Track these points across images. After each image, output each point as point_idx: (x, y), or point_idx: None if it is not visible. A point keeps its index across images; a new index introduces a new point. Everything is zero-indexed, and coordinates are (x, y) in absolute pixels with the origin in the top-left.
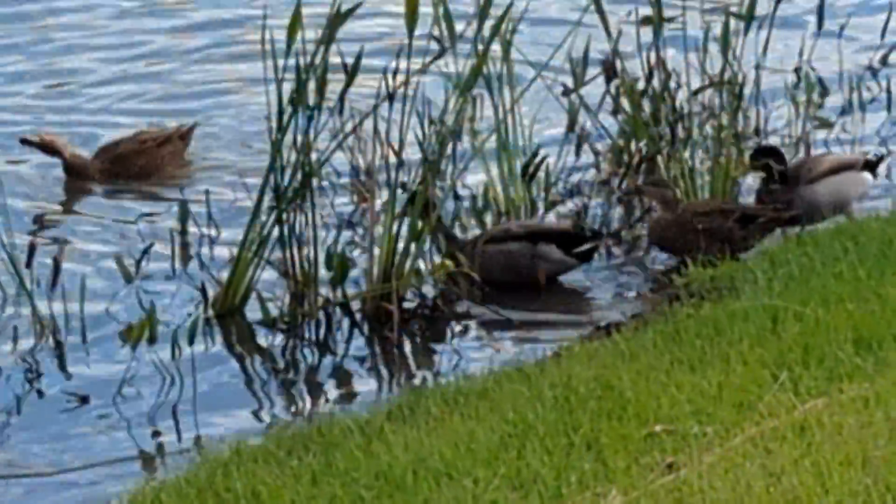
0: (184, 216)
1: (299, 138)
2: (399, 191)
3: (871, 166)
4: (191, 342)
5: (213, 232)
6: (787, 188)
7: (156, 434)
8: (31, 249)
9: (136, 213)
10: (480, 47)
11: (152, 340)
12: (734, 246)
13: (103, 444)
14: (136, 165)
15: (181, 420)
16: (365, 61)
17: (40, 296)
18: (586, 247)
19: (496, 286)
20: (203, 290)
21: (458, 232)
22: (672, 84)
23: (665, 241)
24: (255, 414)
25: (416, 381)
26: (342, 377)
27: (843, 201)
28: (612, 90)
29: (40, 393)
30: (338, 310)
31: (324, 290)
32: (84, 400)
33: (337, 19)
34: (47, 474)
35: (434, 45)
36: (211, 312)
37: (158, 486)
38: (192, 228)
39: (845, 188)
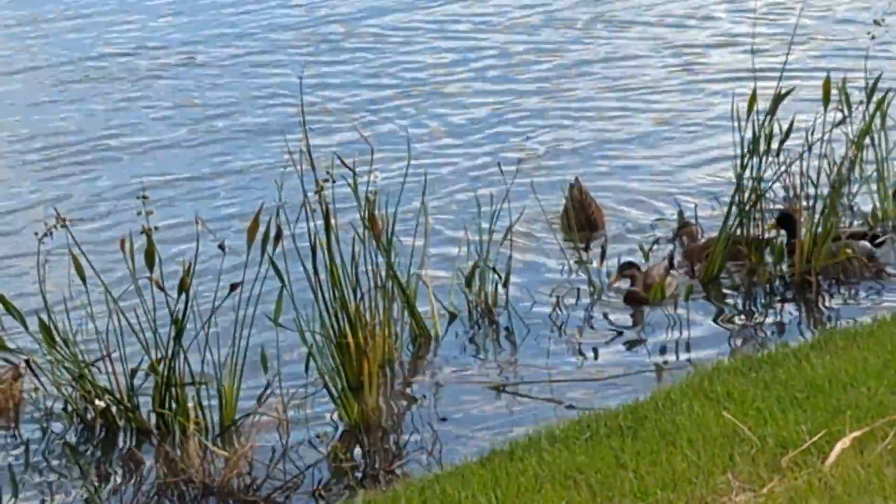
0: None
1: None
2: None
3: None
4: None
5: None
6: None
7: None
8: None
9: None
10: (867, 115)
11: None
12: None
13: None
14: None
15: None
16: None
17: None
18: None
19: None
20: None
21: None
22: None
23: None
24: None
25: (827, 325)
26: (777, 324)
27: None
28: None
29: None
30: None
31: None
32: None
33: (779, 98)
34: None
35: (838, 114)
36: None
37: (665, 392)
38: None
39: None
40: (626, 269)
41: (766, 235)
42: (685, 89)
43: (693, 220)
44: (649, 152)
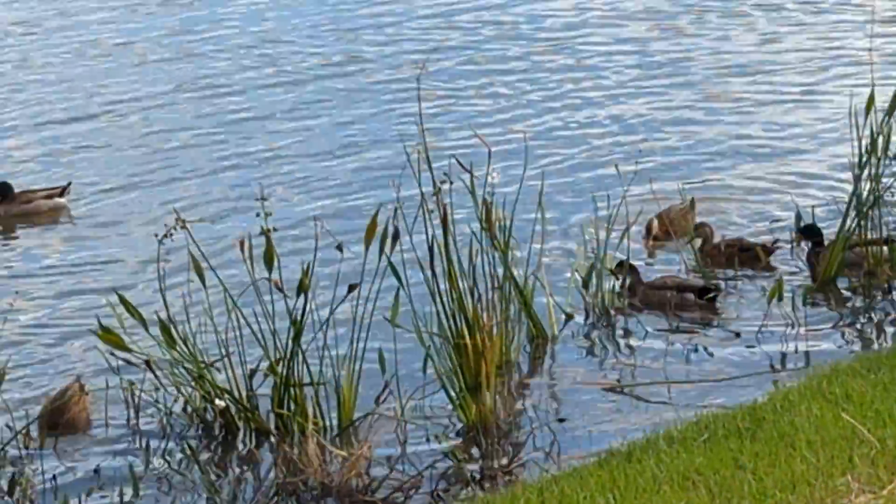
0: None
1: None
2: None
3: None
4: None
5: None
6: None
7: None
8: None
9: None
10: None
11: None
12: None
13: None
14: None
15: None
16: None
17: None
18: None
19: None
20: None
21: None
22: None
23: None
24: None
25: None
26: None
27: None
28: None
29: None
30: None
31: None
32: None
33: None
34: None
35: None
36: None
37: (783, 393)
38: None
39: None
40: (619, 268)
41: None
42: (804, 90)
43: (811, 222)
44: (767, 153)
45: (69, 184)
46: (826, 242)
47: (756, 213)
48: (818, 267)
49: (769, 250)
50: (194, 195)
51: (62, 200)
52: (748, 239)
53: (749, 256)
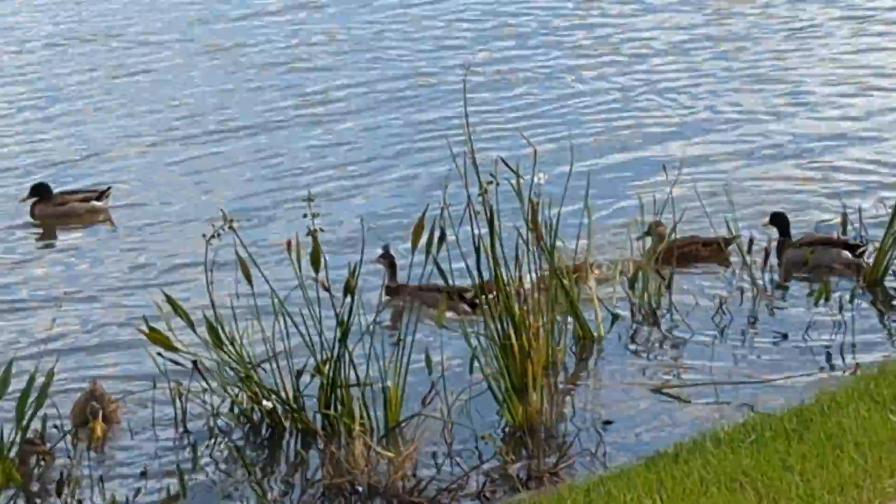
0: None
1: None
2: None
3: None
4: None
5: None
6: None
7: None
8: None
9: None
10: None
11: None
12: None
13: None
14: None
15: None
16: None
17: None
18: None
19: None
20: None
21: None
22: None
23: None
24: None
25: None
26: None
27: None
28: None
29: None
30: None
31: None
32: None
33: None
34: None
35: None
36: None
37: (830, 395)
38: None
39: None
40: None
41: None
42: (858, 89)
43: (852, 220)
44: (815, 151)
45: (108, 188)
46: (793, 236)
47: (803, 212)
48: (782, 256)
49: (728, 242)
50: (243, 195)
51: (99, 204)
52: (702, 235)
53: (713, 251)
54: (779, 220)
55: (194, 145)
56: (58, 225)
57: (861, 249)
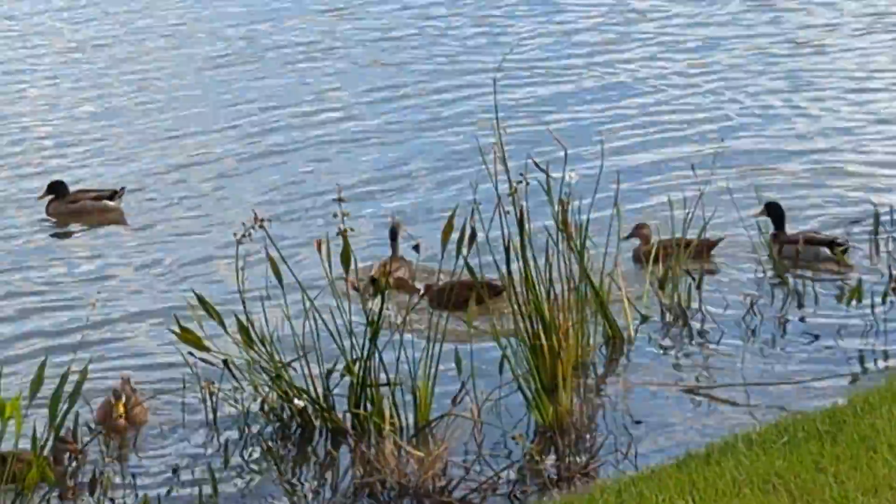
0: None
1: None
2: None
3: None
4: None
5: None
6: None
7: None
8: None
9: None
10: None
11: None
12: None
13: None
14: None
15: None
16: None
17: None
18: None
19: None
20: None
21: None
22: None
23: None
24: None
25: None
26: None
27: None
28: None
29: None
30: None
31: None
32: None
33: None
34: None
35: None
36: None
37: (864, 396)
38: None
39: None
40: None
41: None
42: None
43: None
44: (848, 149)
45: (122, 189)
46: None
47: (834, 212)
48: (773, 247)
49: (713, 244)
50: (273, 194)
51: (111, 203)
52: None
53: (698, 251)
54: (773, 210)
55: (231, 142)
56: (71, 222)
57: (843, 248)
